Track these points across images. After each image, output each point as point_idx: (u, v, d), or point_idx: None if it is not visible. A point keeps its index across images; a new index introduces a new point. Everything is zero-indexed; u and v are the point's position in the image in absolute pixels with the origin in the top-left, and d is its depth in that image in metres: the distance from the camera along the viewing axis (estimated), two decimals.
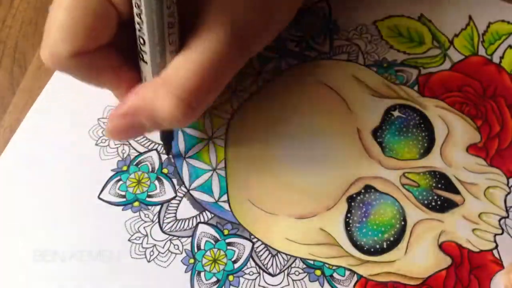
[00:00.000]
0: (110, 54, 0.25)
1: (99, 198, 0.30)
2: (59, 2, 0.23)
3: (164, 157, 0.31)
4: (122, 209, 0.29)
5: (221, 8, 0.24)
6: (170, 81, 0.23)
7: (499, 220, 0.29)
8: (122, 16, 0.24)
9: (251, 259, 0.28)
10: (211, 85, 0.24)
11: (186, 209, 0.29)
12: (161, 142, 0.31)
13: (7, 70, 0.34)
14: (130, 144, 0.31)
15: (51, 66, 0.24)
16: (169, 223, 0.29)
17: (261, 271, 0.28)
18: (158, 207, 0.29)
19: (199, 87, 0.23)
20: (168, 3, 0.22)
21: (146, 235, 0.29)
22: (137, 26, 0.23)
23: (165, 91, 0.23)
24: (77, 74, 0.25)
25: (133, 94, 0.25)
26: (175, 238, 0.29)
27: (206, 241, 0.29)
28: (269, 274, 0.28)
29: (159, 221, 0.29)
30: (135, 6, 0.22)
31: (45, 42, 0.24)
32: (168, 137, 0.30)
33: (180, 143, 0.31)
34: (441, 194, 0.29)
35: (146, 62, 0.24)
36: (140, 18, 0.22)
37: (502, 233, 0.29)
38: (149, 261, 0.28)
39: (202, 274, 0.28)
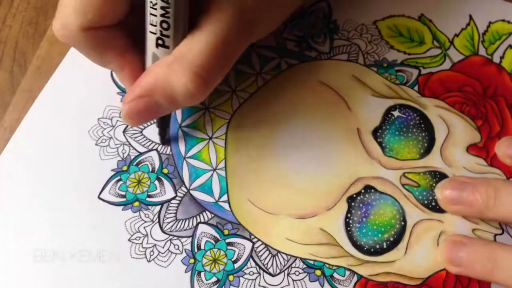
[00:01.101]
0: (118, 34, 0.26)
1: (99, 198, 0.30)
2: None
3: (164, 157, 0.31)
4: (122, 209, 0.29)
5: None
6: (183, 57, 0.24)
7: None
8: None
9: (251, 259, 0.28)
10: (221, 63, 0.25)
11: (186, 209, 0.29)
12: (160, 143, 0.31)
13: (7, 70, 0.34)
14: (130, 144, 0.31)
15: (61, 37, 0.25)
16: (169, 223, 0.29)
17: (261, 271, 0.28)
18: (158, 207, 0.29)
19: (212, 63, 0.24)
20: None
21: (146, 235, 0.29)
22: (158, 11, 0.24)
23: (180, 67, 0.24)
24: (84, 49, 0.26)
25: (146, 75, 0.25)
26: (175, 238, 0.29)
27: (206, 241, 0.29)
28: (269, 274, 0.28)
29: (159, 221, 0.29)
30: None
31: (58, 14, 0.25)
32: (164, 125, 0.30)
33: (180, 143, 0.31)
34: None
35: (167, 47, 0.25)
36: (168, 2, 0.23)
37: (502, 233, 0.29)
38: (149, 261, 0.28)
39: (202, 274, 0.28)
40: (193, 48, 0.24)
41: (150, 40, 0.25)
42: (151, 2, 0.24)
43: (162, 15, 0.24)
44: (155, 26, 0.24)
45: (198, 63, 0.24)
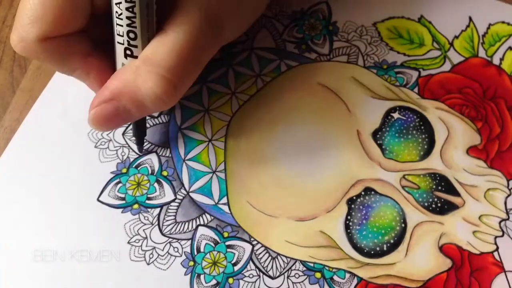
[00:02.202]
0: (79, 40, 0.25)
1: (98, 200, 0.30)
2: None
3: (163, 159, 0.31)
4: (122, 212, 0.29)
5: None
6: (150, 60, 0.24)
7: (500, 222, 0.29)
8: (95, 6, 0.24)
9: (251, 262, 0.28)
10: (189, 65, 0.24)
11: (185, 212, 0.29)
12: (160, 145, 0.31)
13: (7, 70, 0.34)
14: (129, 146, 0.31)
15: (19, 50, 0.24)
16: (168, 225, 0.29)
17: (261, 274, 0.28)
18: (157, 210, 0.29)
19: (179, 65, 0.24)
20: None
21: (146, 237, 0.29)
22: (124, 21, 0.23)
23: (146, 70, 0.23)
24: (45, 59, 0.25)
25: (114, 78, 0.24)
26: (174, 240, 0.29)
27: (206, 243, 0.29)
28: (269, 276, 0.28)
29: (158, 224, 0.29)
30: (125, 0, 0.22)
31: (15, 26, 0.24)
32: (140, 129, 0.29)
33: (180, 146, 0.31)
34: (441, 196, 0.29)
35: (136, 57, 0.24)
36: (133, 11, 0.23)
37: (502, 235, 0.29)
38: (148, 264, 0.28)
39: (202, 276, 0.28)
40: (160, 51, 0.24)
41: (119, 51, 0.25)
42: (116, 12, 0.23)
43: (128, 25, 0.23)
44: (122, 36, 0.24)
45: (165, 66, 0.23)
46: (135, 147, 0.31)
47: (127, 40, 0.24)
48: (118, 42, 0.24)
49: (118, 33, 0.24)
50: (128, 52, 0.24)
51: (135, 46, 0.24)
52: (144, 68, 0.24)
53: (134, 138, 0.30)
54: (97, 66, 0.26)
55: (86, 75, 0.26)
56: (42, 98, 0.32)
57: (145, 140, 0.31)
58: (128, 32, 0.24)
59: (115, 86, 0.24)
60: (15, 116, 0.32)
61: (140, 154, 0.31)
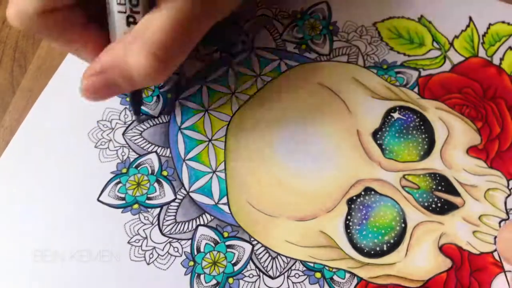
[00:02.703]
0: (77, 13, 0.26)
1: (98, 200, 0.30)
2: None
3: (163, 159, 0.31)
4: (122, 212, 0.29)
5: None
6: (141, 36, 0.24)
7: (500, 222, 0.29)
8: None
9: (251, 262, 0.28)
10: (180, 41, 0.25)
11: (185, 212, 0.29)
12: (160, 144, 0.31)
13: (7, 70, 0.34)
14: (129, 146, 0.31)
15: (18, 25, 0.24)
16: (168, 225, 0.29)
17: (261, 274, 0.28)
18: (157, 210, 0.29)
19: (169, 42, 0.24)
20: None
21: (146, 237, 0.29)
22: None
23: (137, 46, 0.24)
24: (44, 32, 0.25)
25: (105, 52, 0.25)
26: (174, 240, 0.29)
27: (206, 243, 0.29)
28: (269, 276, 0.28)
29: (158, 224, 0.29)
30: None
31: (11, 1, 0.24)
32: (136, 99, 0.30)
33: (180, 146, 0.31)
34: (441, 196, 0.29)
35: (136, 23, 0.25)
36: None
37: None
38: (148, 264, 0.28)
39: (202, 276, 0.28)
40: (151, 26, 0.24)
41: (120, 20, 0.25)
42: None
43: None
44: (123, 4, 0.24)
45: (156, 42, 0.24)
46: (135, 147, 0.31)
47: (129, 8, 0.24)
48: (119, 12, 0.25)
49: (119, 2, 0.24)
50: (130, 19, 0.25)
51: (138, 13, 0.25)
52: (135, 44, 0.24)
53: (131, 107, 0.31)
54: (93, 38, 0.26)
55: (84, 47, 0.27)
56: (42, 98, 0.32)
57: (148, 142, 0.31)
58: None
59: (105, 60, 0.25)
60: (15, 116, 0.32)
61: (138, 123, 0.31)
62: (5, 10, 0.35)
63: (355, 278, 0.28)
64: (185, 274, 0.28)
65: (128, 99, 0.31)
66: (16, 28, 0.35)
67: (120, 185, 0.30)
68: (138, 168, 0.30)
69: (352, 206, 0.29)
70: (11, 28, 0.35)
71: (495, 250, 0.28)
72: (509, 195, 0.29)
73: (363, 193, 0.29)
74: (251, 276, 0.28)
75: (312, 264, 0.28)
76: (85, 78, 0.25)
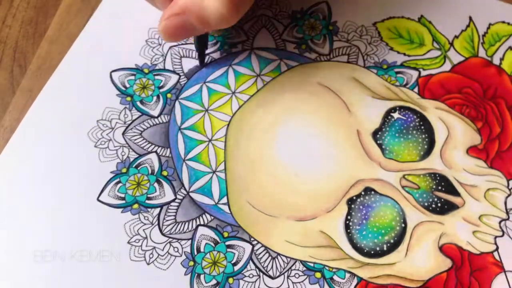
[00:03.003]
0: None
1: (98, 200, 0.30)
2: None
3: (163, 159, 0.30)
4: (122, 211, 0.29)
5: None
6: None
7: (500, 222, 0.29)
8: None
9: (251, 262, 0.28)
10: None
11: (185, 212, 0.29)
12: (160, 144, 0.31)
13: (7, 70, 0.34)
14: (129, 146, 0.31)
15: None
16: (168, 225, 0.29)
17: (261, 274, 0.28)
18: (157, 210, 0.29)
19: None
20: None
21: (146, 237, 0.29)
22: None
23: None
24: None
25: None
26: (174, 240, 0.29)
27: (206, 243, 0.29)
28: (269, 276, 0.28)
29: (158, 224, 0.29)
30: None
31: None
32: (202, 44, 0.32)
33: (180, 145, 0.31)
34: (441, 196, 0.29)
35: None
36: None
37: (502, 235, 0.29)
38: (148, 264, 0.28)
39: (202, 276, 0.28)
40: None
41: None
42: None
43: None
44: None
45: None
46: (135, 147, 0.31)
47: None
48: None
49: None
50: None
51: None
52: None
53: (196, 50, 0.32)
54: None
55: None
56: (41, 98, 0.32)
57: (148, 142, 0.31)
58: None
59: (183, 2, 0.27)
60: (15, 116, 0.32)
61: (202, 66, 0.33)
62: (5, 10, 0.35)
63: (355, 278, 0.28)
64: (185, 274, 0.28)
65: (194, 44, 0.32)
66: (16, 28, 0.35)
67: (120, 184, 0.30)
68: (138, 168, 0.30)
69: (352, 206, 0.29)
70: (11, 28, 0.35)
71: (496, 250, 0.28)
72: (509, 195, 0.29)
73: (363, 193, 0.29)
74: (251, 276, 0.28)
75: (312, 264, 0.28)
76: (164, 20, 0.27)
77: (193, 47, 0.33)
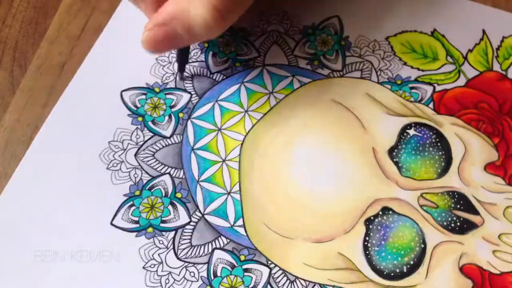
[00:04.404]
0: None
1: (111, 224, 0.29)
2: None
3: (177, 181, 0.30)
4: (136, 236, 0.29)
5: None
6: None
7: None
8: None
9: (269, 286, 0.28)
10: None
11: (201, 235, 0.29)
12: (174, 166, 0.30)
13: (7, 70, 0.33)
14: (142, 168, 0.30)
15: None
16: (184, 249, 0.29)
17: None
18: (172, 233, 0.29)
19: None
20: None
21: (161, 262, 0.28)
22: None
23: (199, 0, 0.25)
24: None
25: (168, 4, 0.26)
26: (190, 265, 0.28)
27: (223, 267, 0.28)
28: None
29: (173, 248, 0.29)
30: None
31: None
32: (183, 55, 0.31)
33: (194, 166, 0.30)
34: (460, 215, 0.29)
35: None
36: None
37: None
38: None
39: None
40: None
41: None
42: None
43: None
44: None
45: None
46: (148, 168, 0.30)
47: None
48: None
49: None
50: None
51: None
52: None
53: (177, 64, 0.32)
54: None
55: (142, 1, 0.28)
56: (50, 120, 0.31)
57: (161, 164, 0.30)
58: None
59: (168, 11, 0.26)
60: (15, 116, 0.32)
61: (181, 80, 0.32)
62: (5, 10, 0.34)
63: None
64: None
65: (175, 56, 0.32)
66: (16, 28, 0.35)
67: (133, 208, 0.29)
68: (152, 190, 0.30)
69: (370, 226, 0.29)
70: (11, 28, 0.35)
71: None
72: None
73: (380, 213, 0.29)
74: None
75: (331, 287, 0.28)
76: (147, 30, 0.26)
77: (203, 64, 0.33)
